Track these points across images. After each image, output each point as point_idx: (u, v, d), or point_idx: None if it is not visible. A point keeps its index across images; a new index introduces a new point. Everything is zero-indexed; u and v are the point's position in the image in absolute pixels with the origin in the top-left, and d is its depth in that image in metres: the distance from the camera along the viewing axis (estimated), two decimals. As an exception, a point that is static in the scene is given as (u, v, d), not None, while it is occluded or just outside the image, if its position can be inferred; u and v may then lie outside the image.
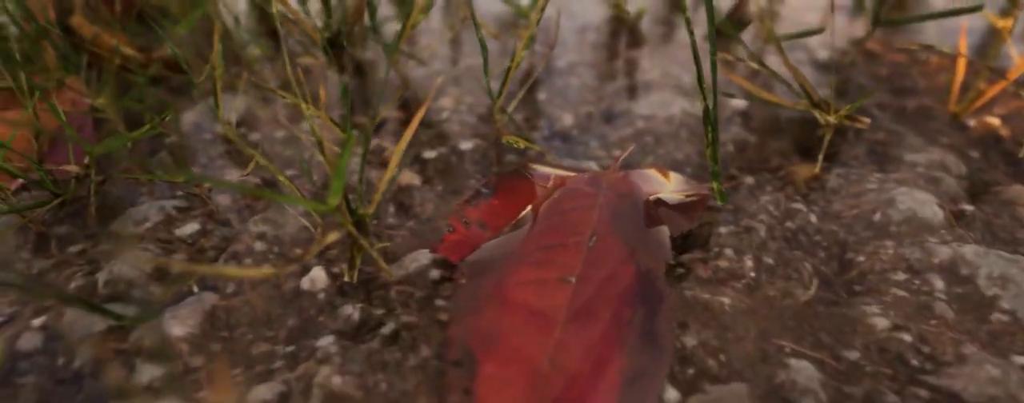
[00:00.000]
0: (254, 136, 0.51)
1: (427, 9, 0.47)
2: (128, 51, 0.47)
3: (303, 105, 0.36)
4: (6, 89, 0.44)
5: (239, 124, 0.53)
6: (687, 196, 0.36)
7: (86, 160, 0.44)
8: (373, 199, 0.34)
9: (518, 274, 0.28)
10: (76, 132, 0.44)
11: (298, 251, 0.39)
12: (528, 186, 0.35)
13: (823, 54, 0.65)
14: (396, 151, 0.35)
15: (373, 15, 0.56)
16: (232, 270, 0.25)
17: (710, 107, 0.34)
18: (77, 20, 0.48)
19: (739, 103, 0.55)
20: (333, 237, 0.29)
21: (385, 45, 0.50)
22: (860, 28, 0.71)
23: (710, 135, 0.33)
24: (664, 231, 0.32)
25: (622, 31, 0.71)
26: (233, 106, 0.54)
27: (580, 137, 0.51)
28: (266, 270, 0.25)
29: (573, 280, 0.27)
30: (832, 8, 0.40)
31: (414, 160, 0.48)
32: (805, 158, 0.48)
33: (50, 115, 0.45)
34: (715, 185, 0.36)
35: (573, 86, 0.59)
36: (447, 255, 0.33)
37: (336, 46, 0.55)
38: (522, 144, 0.42)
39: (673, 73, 0.61)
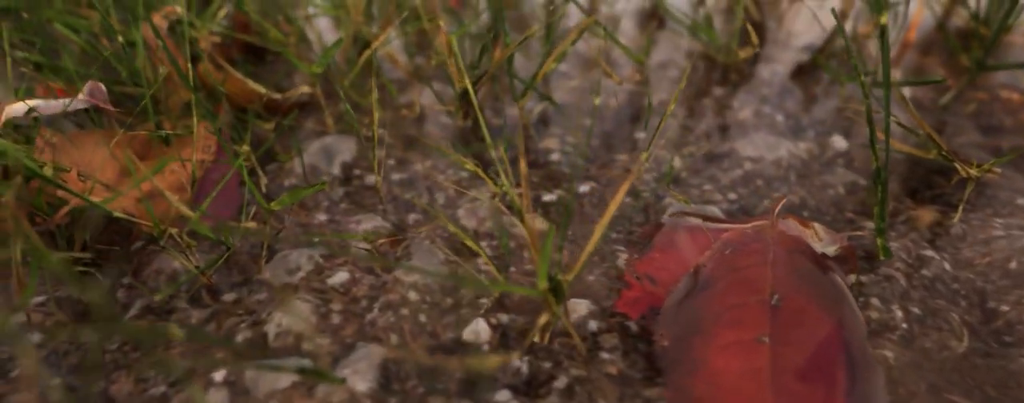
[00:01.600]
0: (369, 179, 0.52)
1: (561, 57, 0.48)
2: (262, 92, 0.48)
3: (483, 175, 0.37)
4: (147, 135, 0.45)
5: (351, 167, 0.54)
6: (841, 248, 0.36)
7: (245, 210, 0.45)
8: (573, 267, 0.35)
9: (717, 336, 0.28)
10: (222, 180, 0.45)
11: (465, 310, 0.40)
12: (688, 238, 0.36)
13: (906, 91, 0.66)
14: (601, 223, 0.36)
15: (511, 63, 0.57)
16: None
17: (882, 166, 0.35)
18: (205, 66, 0.49)
19: (840, 144, 0.56)
20: (544, 319, 0.30)
21: (518, 87, 0.51)
22: (935, 63, 0.72)
23: (880, 193, 0.34)
24: (845, 289, 0.33)
25: (701, 67, 0.73)
26: (344, 148, 0.55)
27: (691, 179, 0.52)
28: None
29: (767, 340, 0.28)
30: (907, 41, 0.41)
31: (534, 203, 0.49)
32: (917, 201, 0.49)
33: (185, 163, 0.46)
34: (880, 241, 0.37)
35: (669, 125, 0.60)
36: (627, 312, 0.33)
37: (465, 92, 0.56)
38: (688, 203, 0.42)
39: (765, 112, 0.62)
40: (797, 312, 0.29)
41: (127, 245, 0.44)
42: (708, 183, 0.52)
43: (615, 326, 0.37)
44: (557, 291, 0.33)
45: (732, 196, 0.50)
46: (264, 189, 0.50)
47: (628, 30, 0.80)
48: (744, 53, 0.57)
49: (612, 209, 0.32)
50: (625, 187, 0.32)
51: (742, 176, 0.52)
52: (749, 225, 0.37)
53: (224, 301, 0.40)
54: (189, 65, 0.43)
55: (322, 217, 0.47)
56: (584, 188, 0.51)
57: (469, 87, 0.39)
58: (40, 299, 0.40)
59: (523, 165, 0.34)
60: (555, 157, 0.55)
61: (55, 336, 0.33)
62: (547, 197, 0.50)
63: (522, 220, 0.32)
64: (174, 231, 0.38)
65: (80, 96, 0.40)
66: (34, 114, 0.37)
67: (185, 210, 0.32)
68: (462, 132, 0.58)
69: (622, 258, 0.43)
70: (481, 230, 0.46)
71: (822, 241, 0.37)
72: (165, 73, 0.48)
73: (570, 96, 0.65)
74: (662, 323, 0.32)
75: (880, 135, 0.52)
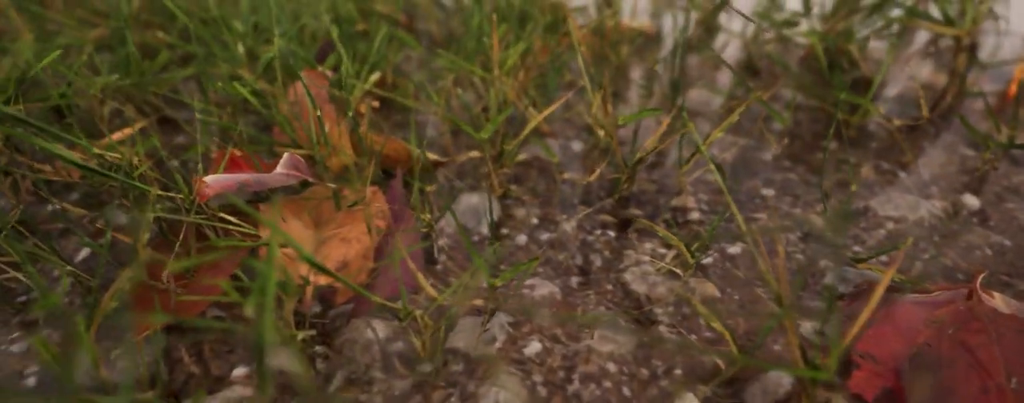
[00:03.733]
0: (519, 238, 0.53)
1: (728, 126, 0.49)
2: (425, 155, 0.49)
3: (667, 233, 0.38)
4: (317, 202, 0.46)
5: (498, 226, 0.54)
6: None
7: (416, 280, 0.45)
8: (833, 353, 0.36)
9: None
10: (398, 244, 0.46)
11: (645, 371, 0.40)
12: (903, 313, 0.37)
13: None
14: (783, 291, 0.36)
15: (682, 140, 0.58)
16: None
17: None
18: (364, 128, 0.50)
19: (972, 202, 0.57)
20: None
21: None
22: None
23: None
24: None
25: (804, 120, 0.74)
26: (473, 203, 0.56)
27: (832, 239, 0.53)
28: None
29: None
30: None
31: (691, 267, 0.50)
32: (1069, 264, 0.49)
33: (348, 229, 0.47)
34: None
35: (792, 181, 0.61)
36: (862, 393, 0.34)
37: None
38: (875, 271, 0.43)
39: (884, 168, 0.63)
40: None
41: (322, 315, 0.44)
42: (855, 243, 0.52)
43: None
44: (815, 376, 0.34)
45: (883, 258, 0.51)
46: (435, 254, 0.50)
47: (723, 79, 0.81)
48: (874, 111, 0.58)
49: (785, 280, 0.32)
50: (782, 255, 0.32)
51: (887, 236, 0.53)
52: (958, 298, 0.38)
53: (421, 371, 0.40)
54: (336, 127, 0.44)
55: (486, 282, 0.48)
56: (734, 249, 0.52)
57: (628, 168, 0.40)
58: (242, 371, 0.40)
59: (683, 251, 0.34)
60: (695, 216, 0.56)
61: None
62: (703, 259, 0.51)
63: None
64: (375, 299, 0.38)
65: (280, 169, 0.41)
66: (248, 189, 0.38)
67: (371, 295, 0.32)
68: (596, 191, 0.59)
69: (803, 325, 0.44)
70: (653, 295, 0.46)
71: (1009, 310, 0.38)
72: (327, 135, 0.49)
73: (674, 147, 0.66)
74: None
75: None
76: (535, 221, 0.55)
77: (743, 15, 0.55)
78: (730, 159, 0.66)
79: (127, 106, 0.67)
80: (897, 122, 0.66)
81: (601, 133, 0.50)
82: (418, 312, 0.35)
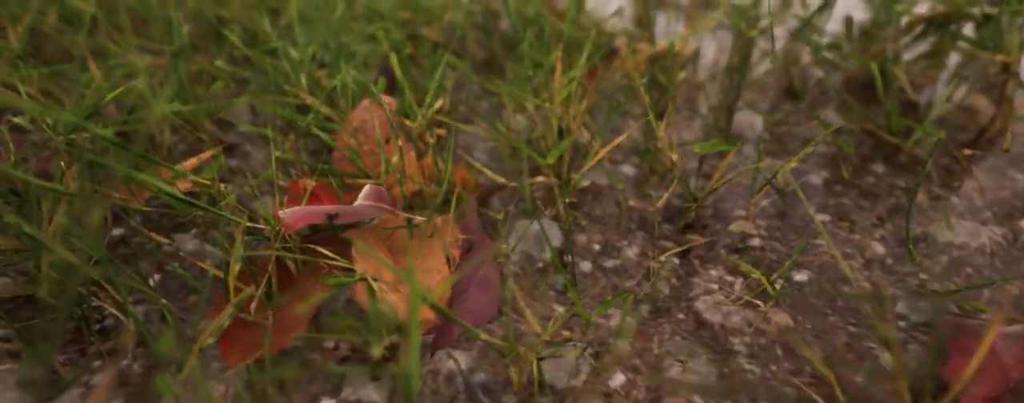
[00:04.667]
0: (583, 266, 0.53)
1: (803, 157, 0.49)
2: (496, 179, 0.49)
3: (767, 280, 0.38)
4: (390, 232, 0.46)
5: (561, 253, 0.54)
6: None
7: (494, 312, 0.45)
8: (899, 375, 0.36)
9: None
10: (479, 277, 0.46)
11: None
12: (1006, 348, 0.37)
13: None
14: (887, 330, 0.36)
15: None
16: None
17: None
18: (432, 159, 0.50)
19: (1030, 229, 0.57)
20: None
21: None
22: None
23: None
24: None
25: (849, 143, 0.74)
26: (552, 234, 0.56)
27: (898, 266, 0.53)
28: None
29: None
30: None
31: (759, 295, 0.50)
32: None
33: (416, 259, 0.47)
34: None
35: (846, 206, 0.62)
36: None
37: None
38: (969, 308, 0.43)
39: (936, 194, 0.63)
40: None
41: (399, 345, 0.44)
42: (920, 271, 0.52)
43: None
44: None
45: (949, 285, 0.51)
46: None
47: (760, 99, 0.82)
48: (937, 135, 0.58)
49: (892, 323, 0.32)
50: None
51: (951, 264, 0.53)
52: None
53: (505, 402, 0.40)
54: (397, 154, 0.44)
55: (559, 308, 0.48)
56: (800, 276, 0.52)
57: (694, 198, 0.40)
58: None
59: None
60: (756, 243, 0.56)
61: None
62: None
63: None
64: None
65: (363, 200, 0.41)
66: (337, 221, 0.38)
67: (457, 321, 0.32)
68: (652, 216, 0.59)
69: (882, 356, 0.44)
70: (728, 325, 0.46)
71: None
72: (397, 164, 0.50)
73: (729, 172, 0.67)
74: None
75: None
76: (597, 247, 0.55)
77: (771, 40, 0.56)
78: (780, 183, 0.66)
79: (183, 132, 0.67)
80: (966, 151, 0.66)
81: (670, 159, 0.50)
82: (521, 349, 0.35)
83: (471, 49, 0.86)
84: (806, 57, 0.95)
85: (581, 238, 0.56)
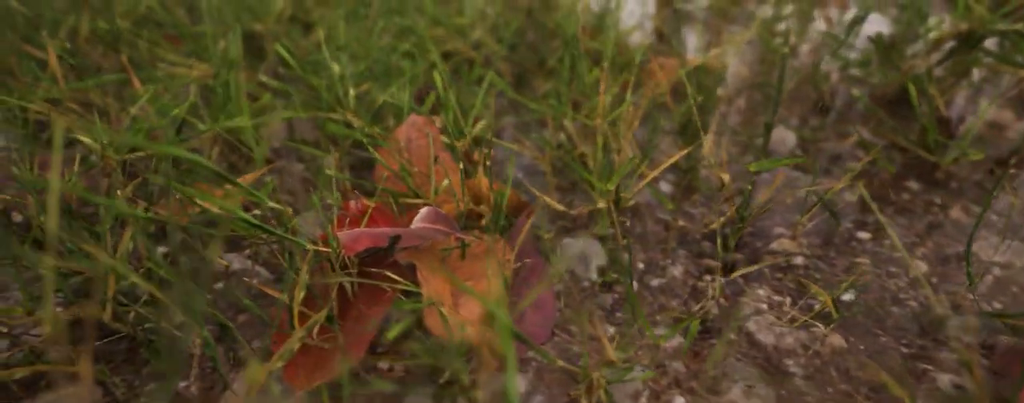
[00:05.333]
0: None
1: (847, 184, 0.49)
2: (552, 204, 0.49)
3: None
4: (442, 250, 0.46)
5: (605, 270, 0.54)
6: None
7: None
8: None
9: None
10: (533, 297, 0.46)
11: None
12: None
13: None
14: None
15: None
16: None
17: None
18: (481, 178, 0.51)
19: (1071, 247, 0.57)
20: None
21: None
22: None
23: None
24: None
25: (881, 159, 0.75)
26: (596, 252, 0.56)
27: (941, 284, 0.53)
28: None
29: None
30: None
31: (803, 311, 0.50)
32: None
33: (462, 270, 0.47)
34: None
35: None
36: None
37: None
38: None
39: (974, 211, 0.63)
40: None
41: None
42: (961, 289, 0.53)
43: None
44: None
45: (996, 304, 0.51)
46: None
47: (790, 115, 0.82)
48: (975, 155, 0.58)
49: (977, 365, 0.32)
50: None
51: (994, 283, 0.53)
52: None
53: (568, 427, 0.40)
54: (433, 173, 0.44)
55: (609, 328, 0.48)
56: (847, 296, 0.52)
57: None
58: (390, 426, 0.40)
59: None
60: (799, 261, 0.56)
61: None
62: (818, 306, 0.51)
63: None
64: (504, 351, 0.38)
65: (421, 222, 0.41)
66: (400, 244, 0.38)
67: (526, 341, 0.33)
68: (692, 233, 0.59)
69: (938, 377, 0.44)
70: (781, 346, 0.46)
71: None
72: (446, 184, 0.50)
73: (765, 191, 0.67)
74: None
75: None
76: (641, 266, 0.55)
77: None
78: (816, 199, 0.66)
79: (221, 148, 0.67)
80: (1004, 169, 0.66)
81: (720, 179, 0.50)
82: (595, 373, 0.35)
83: (499, 64, 0.86)
84: (832, 72, 0.96)
85: (624, 256, 0.56)
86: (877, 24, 1.23)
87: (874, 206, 0.41)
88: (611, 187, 0.46)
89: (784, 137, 0.77)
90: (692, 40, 1.08)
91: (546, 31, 0.86)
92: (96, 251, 0.33)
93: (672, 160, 0.47)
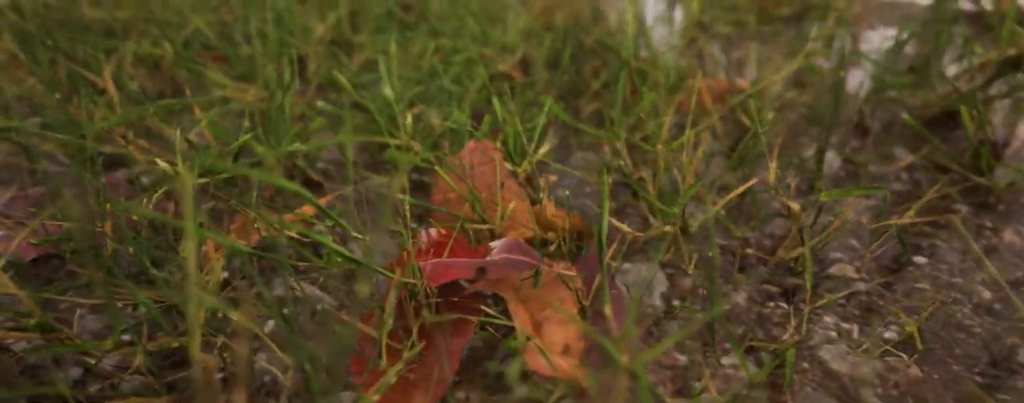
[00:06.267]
0: (695, 314, 0.53)
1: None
2: (622, 228, 0.49)
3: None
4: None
5: (668, 298, 0.54)
6: None
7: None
8: None
9: None
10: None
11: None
12: None
13: None
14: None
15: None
16: None
17: None
18: (546, 204, 0.50)
19: None
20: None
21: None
22: None
23: None
24: None
25: (924, 181, 0.75)
26: (658, 279, 0.56)
27: (1005, 312, 0.53)
28: None
29: None
30: None
31: (901, 345, 0.50)
32: None
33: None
34: None
35: (940, 247, 0.62)
36: None
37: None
38: None
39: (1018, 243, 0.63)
40: None
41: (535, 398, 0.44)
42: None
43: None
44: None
45: (1064, 332, 0.51)
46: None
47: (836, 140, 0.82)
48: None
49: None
50: None
51: (1060, 310, 0.53)
52: None
53: (653, 460, 0.40)
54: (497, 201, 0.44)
55: (681, 358, 0.48)
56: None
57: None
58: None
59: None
60: (860, 287, 0.56)
61: None
62: (887, 333, 0.51)
63: None
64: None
65: (503, 252, 0.41)
66: (485, 276, 0.38)
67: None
68: (748, 257, 0.59)
69: (1019, 409, 0.43)
70: (857, 375, 0.46)
71: None
72: (512, 210, 0.50)
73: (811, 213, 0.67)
74: None
75: None
76: (703, 292, 0.55)
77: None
78: (866, 222, 0.66)
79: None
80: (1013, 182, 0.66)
81: (789, 207, 0.50)
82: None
83: (543, 85, 0.86)
84: (861, 90, 0.96)
85: (685, 282, 0.56)
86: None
87: (965, 236, 0.41)
88: (676, 211, 0.46)
89: (828, 158, 0.77)
90: (722, 60, 1.09)
91: (584, 50, 0.87)
92: (191, 285, 0.33)
93: (743, 188, 0.47)
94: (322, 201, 0.47)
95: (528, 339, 0.35)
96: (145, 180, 0.66)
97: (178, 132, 0.46)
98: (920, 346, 0.47)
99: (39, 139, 0.57)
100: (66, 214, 0.48)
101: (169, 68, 0.78)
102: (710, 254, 0.58)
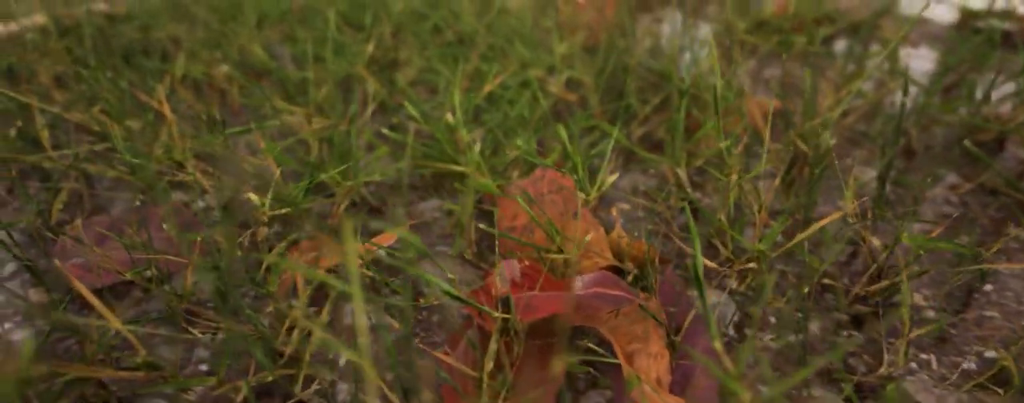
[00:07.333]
0: (766, 340, 0.53)
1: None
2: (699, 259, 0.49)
3: None
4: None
5: (741, 327, 0.54)
6: None
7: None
8: None
9: None
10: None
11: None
12: None
13: None
14: None
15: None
16: None
17: None
18: (620, 233, 0.50)
19: None
20: None
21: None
22: None
23: None
24: None
25: (974, 203, 0.75)
26: (728, 307, 0.55)
27: (1079, 341, 0.53)
28: None
29: None
30: None
31: (952, 370, 0.49)
32: None
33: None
34: None
35: (1001, 273, 0.62)
36: None
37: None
38: None
39: (1087, 259, 0.63)
40: None
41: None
42: (1106, 347, 0.52)
43: None
44: None
45: None
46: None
47: (865, 154, 0.82)
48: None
49: None
50: None
51: None
52: None
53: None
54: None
55: (763, 390, 0.47)
56: (990, 353, 0.52)
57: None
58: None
59: None
60: (930, 314, 0.56)
61: None
62: (966, 365, 0.50)
63: None
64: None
65: (594, 286, 0.41)
66: (583, 311, 0.38)
67: None
68: (809, 288, 0.59)
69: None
70: (943, 408, 0.46)
71: None
72: (590, 240, 0.49)
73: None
74: None
75: None
76: (773, 320, 0.55)
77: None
78: (916, 248, 0.66)
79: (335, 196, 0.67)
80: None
81: (870, 242, 0.50)
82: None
83: (596, 109, 0.86)
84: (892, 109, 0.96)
85: (753, 309, 0.56)
86: (928, 60, 1.24)
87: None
88: (763, 248, 0.46)
89: (870, 178, 0.77)
90: (767, 81, 1.09)
91: (628, 72, 0.87)
92: (308, 320, 0.33)
93: (826, 221, 0.47)
94: (395, 233, 0.47)
95: (639, 379, 0.35)
96: (201, 204, 0.66)
97: (244, 160, 0.45)
98: (1016, 382, 0.46)
99: (104, 166, 0.57)
100: (200, 247, 0.47)
101: (218, 87, 0.78)
102: (803, 290, 0.58)
